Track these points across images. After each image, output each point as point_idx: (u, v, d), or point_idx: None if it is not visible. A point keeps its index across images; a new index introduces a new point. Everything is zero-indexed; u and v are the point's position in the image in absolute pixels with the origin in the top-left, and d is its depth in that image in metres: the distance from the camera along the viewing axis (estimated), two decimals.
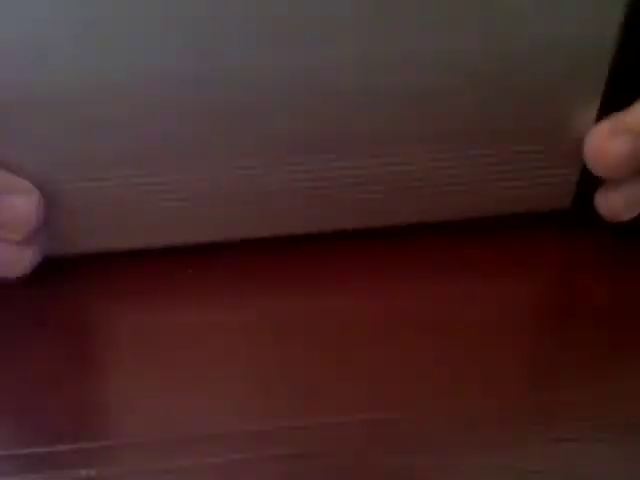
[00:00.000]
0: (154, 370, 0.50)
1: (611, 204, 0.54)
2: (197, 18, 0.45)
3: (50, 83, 0.46)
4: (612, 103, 0.51)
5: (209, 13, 0.45)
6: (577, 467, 0.45)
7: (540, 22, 0.47)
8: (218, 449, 0.45)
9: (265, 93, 0.48)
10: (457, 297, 0.54)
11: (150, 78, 0.46)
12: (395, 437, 0.46)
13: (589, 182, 0.54)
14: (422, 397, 0.48)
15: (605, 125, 0.51)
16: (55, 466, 0.45)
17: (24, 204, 0.49)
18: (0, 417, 0.48)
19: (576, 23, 0.47)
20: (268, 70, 0.47)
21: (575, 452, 0.45)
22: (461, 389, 0.48)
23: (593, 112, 0.51)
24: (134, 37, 0.45)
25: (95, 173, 0.50)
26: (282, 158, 0.51)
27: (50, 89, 0.46)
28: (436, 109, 0.50)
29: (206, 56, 0.46)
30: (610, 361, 0.51)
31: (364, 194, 0.54)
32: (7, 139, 0.47)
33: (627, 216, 0.54)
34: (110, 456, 0.45)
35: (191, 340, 0.52)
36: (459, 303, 0.54)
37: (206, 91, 0.48)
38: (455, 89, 0.49)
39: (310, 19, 0.45)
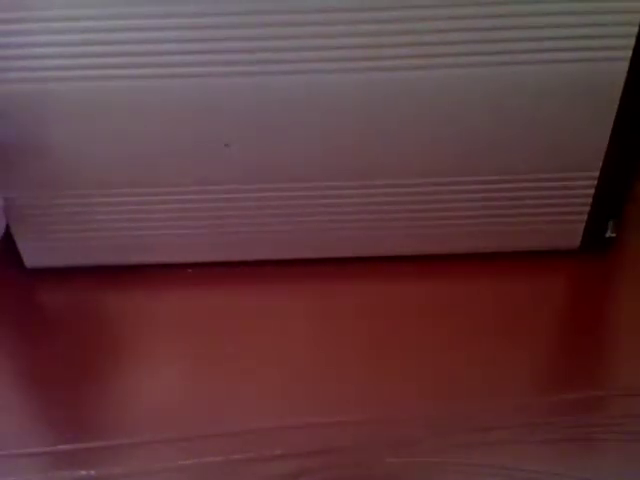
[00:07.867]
0: (152, 371, 0.50)
1: None
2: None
3: None
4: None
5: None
6: (577, 467, 0.45)
7: None
8: (218, 449, 0.45)
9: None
10: (458, 300, 0.55)
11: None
12: (395, 437, 0.46)
13: (597, 224, 0.55)
14: (422, 397, 0.48)
15: None
16: (55, 466, 0.45)
17: None
18: (1, 417, 0.48)
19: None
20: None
21: (574, 452, 0.45)
22: (461, 389, 0.48)
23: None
24: None
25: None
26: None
27: None
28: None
29: None
30: (611, 365, 0.51)
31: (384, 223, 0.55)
32: None
33: None
34: (110, 456, 0.45)
35: (191, 339, 0.52)
36: (459, 307, 0.54)
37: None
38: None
39: None
